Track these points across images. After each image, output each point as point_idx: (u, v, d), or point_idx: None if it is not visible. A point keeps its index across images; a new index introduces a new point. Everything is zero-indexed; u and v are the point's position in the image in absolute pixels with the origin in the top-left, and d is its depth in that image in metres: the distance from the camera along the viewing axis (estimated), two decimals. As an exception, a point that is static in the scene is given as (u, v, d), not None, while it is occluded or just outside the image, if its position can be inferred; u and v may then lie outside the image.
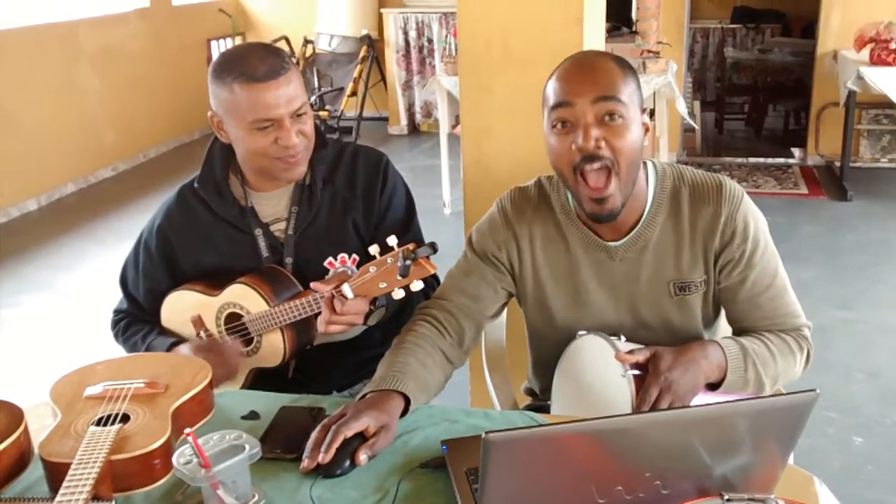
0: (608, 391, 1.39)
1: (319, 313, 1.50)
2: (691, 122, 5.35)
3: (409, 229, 1.77)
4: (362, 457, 1.25)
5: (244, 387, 1.71)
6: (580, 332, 1.48)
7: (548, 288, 1.54)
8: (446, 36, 7.11)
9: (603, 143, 1.34)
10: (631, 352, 1.35)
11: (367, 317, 1.52)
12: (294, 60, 6.93)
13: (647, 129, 1.42)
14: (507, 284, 1.57)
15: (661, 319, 1.51)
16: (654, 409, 1.29)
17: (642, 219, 1.47)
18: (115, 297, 1.85)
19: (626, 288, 1.50)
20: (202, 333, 1.70)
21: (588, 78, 1.37)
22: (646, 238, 1.47)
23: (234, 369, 1.67)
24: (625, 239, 1.48)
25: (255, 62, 1.54)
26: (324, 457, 1.23)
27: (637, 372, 1.34)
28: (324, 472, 1.25)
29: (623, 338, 1.46)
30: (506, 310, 1.70)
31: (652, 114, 4.60)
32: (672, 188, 1.48)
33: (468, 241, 1.59)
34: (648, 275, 1.48)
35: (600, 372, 1.41)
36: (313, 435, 1.28)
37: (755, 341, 1.45)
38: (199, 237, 1.72)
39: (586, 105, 1.34)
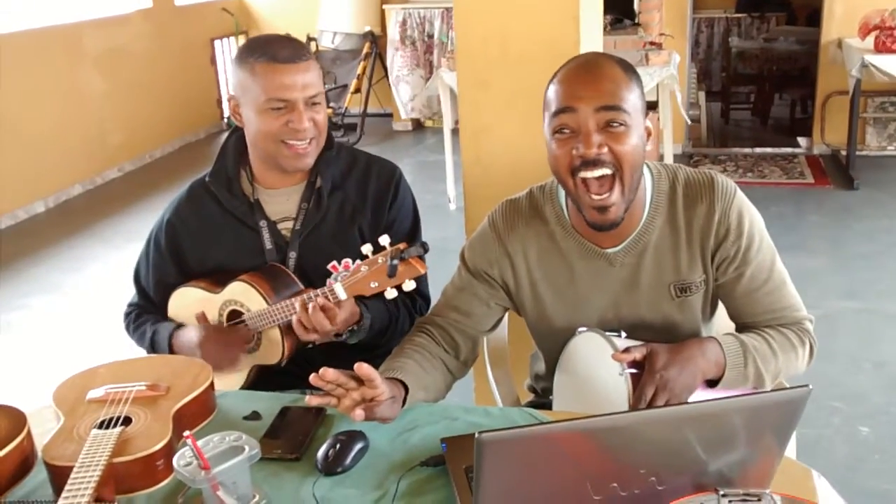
0: (606, 389, 1.39)
1: None
2: (686, 118, 5.32)
3: (413, 241, 1.78)
4: (358, 412, 1.24)
5: (246, 384, 1.72)
6: (580, 329, 1.47)
7: (547, 301, 1.52)
8: (448, 31, 7.09)
9: (605, 149, 1.32)
10: (627, 350, 1.34)
11: (351, 333, 1.58)
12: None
13: (648, 134, 1.40)
14: (501, 300, 1.56)
15: (663, 321, 1.49)
16: (650, 407, 1.29)
17: (640, 223, 1.45)
18: (124, 297, 1.88)
19: (628, 293, 1.48)
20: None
21: (592, 84, 1.33)
22: (644, 242, 1.45)
23: (236, 357, 1.67)
24: (623, 244, 1.45)
25: (278, 46, 1.63)
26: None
27: (634, 371, 1.34)
28: (324, 470, 1.26)
29: (623, 334, 1.45)
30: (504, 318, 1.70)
31: (655, 106, 4.59)
32: (668, 189, 1.46)
33: (461, 257, 1.58)
34: (649, 278, 1.46)
35: (598, 370, 1.41)
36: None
37: (755, 337, 1.44)
38: (205, 231, 1.76)
39: (589, 113, 1.32)
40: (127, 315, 1.85)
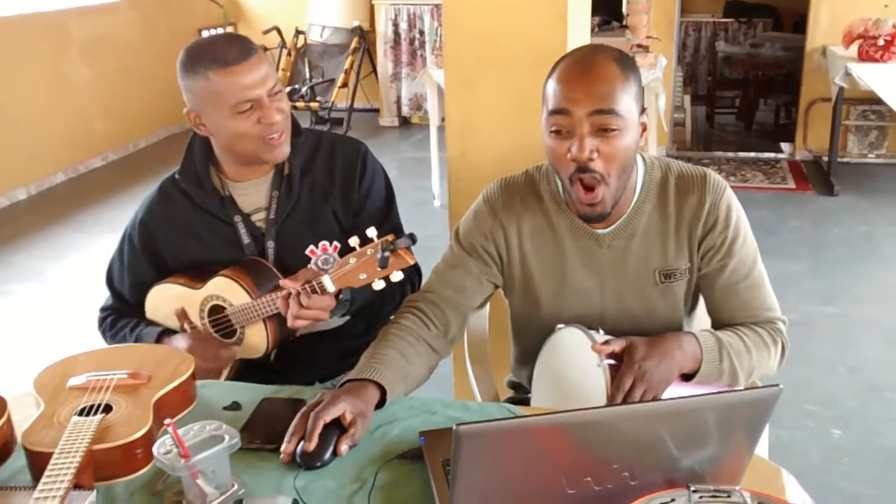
0: (584, 382, 1.41)
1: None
2: (664, 125, 5.37)
3: (388, 217, 1.80)
4: (343, 447, 1.27)
5: (228, 378, 1.73)
6: (559, 326, 1.50)
7: (535, 275, 1.57)
8: (437, 28, 7.10)
9: (596, 155, 1.37)
10: (607, 342, 1.38)
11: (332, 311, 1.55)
12: (286, 51, 7.00)
13: (643, 129, 1.44)
14: (493, 276, 1.60)
15: (645, 307, 1.54)
16: (627, 398, 1.32)
17: (630, 208, 1.50)
18: (104, 287, 1.86)
19: (613, 275, 1.53)
20: (186, 326, 1.72)
21: (587, 86, 1.36)
22: (633, 226, 1.51)
23: (221, 367, 1.69)
24: (613, 227, 1.51)
25: (223, 48, 1.58)
26: (307, 446, 1.26)
27: (612, 362, 1.37)
28: (304, 464, 1.27)
29: (601, 331, 1.49)
30: (488, 302, 1.73)
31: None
32: (660, 178, 1.52)
33: (454, 235, 1.62)
34: (635, 262, 1.52)
35: (577, 363, 1.43)
36: (293, 423, 1.31)
37: (730, 334, 1.48)
38: (180, 228, 1.75)
39: (583, 116, 1.36)
40: (102, 320, 1.83)
